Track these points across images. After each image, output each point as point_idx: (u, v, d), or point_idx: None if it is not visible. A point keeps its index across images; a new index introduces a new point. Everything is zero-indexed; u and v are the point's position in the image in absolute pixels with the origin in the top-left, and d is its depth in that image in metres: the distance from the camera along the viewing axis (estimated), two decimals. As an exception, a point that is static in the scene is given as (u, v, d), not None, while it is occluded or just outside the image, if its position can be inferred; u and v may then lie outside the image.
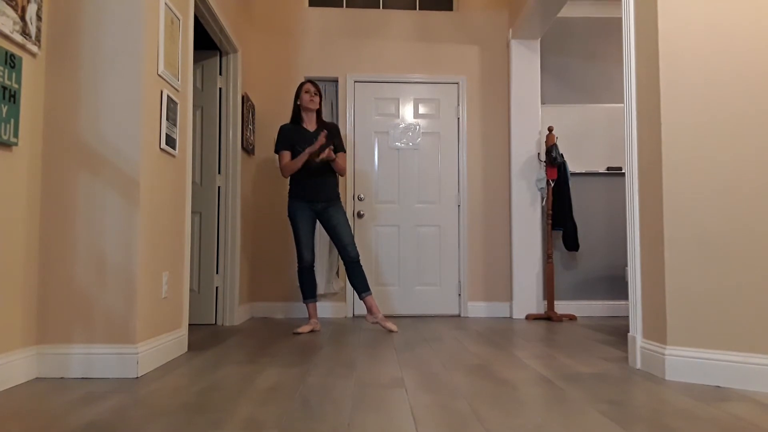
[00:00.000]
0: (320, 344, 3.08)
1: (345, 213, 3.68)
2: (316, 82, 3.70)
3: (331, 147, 3.48)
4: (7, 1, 2.00)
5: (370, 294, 3.64)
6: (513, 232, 4.49)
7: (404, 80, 4.63)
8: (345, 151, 3.73)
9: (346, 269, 3.65)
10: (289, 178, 3.82)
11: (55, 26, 2.31)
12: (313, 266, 3.67)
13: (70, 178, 2.29)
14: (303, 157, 3.48)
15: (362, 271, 3.64)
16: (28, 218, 2.20)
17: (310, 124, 3.67)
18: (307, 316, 4.41)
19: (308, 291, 3.66)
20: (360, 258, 3.75)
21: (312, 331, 3.59)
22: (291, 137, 3.62)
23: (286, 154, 3.61)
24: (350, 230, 3.64)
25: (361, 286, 3.62)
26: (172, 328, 2.70)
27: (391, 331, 3.57)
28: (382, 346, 3.05)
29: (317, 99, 3.63)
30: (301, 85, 3.65)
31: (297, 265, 3.66)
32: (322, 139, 3.43)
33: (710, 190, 2.23)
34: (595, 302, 4.61)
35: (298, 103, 3.66)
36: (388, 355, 2.75)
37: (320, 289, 4.39)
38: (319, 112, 3.70)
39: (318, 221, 3.74)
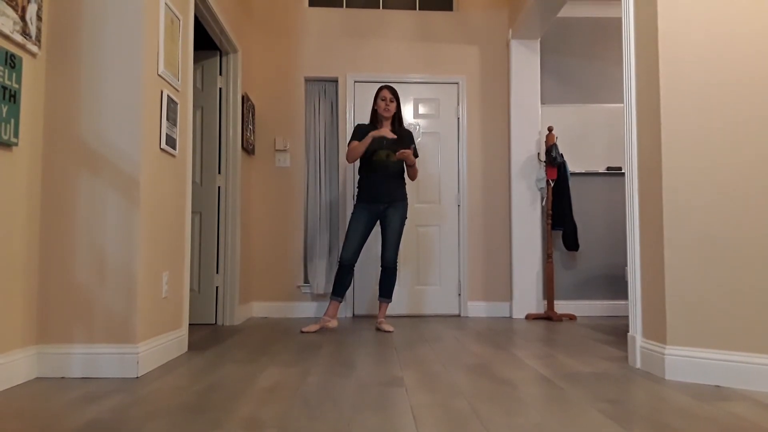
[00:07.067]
0: (320, 344, 3.08)
1: (402, 217, 3.68)
2: (393, 87, 3.71)
3: (405, 150, 3.48)
4: (8, 1, 2.00)
5: (386, 302, 3.73)
6: (513, 232, 4.49)
7: (404, 80, 4.63)
8: (417, 157, 3.74)
9: (381, 271, 3.73)
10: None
11: (55, 26, 2.31)
12: (352, 267, 3.64)
13: (71, 177, 2.29)
14: (367, 141, 3.52)
15: (391, 278, 3.70)
16: (29, 218, 2.20)
17: (385, 128, 3.71)
18: (310, 315, 4.41)
19: (335, 288, 3.65)
20: (397, 265, 3.73)
21: (322, 329, 3.60)
22: (366, 133, 3.65)
23: (355, 143, 3.63)
24: (398, 236, 3.67)
25: (382, 290, 3.73)
26: (172, 328, 2.70)
27: (386, 331, 3.59)
28: (383, 345, 3.05)
29: (393, 106, 3.66)
30: (379, 90, 3.68)
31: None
32: (389, 133, 3.53)
33: (710, 190, 2.23)
34: (595, 302, 4.62)
35: (375, 108, 3.70)
36: (388, 355, 2.75)
37: (320, 288, 4.39)
38: (396, 116, 3.72)
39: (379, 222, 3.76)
